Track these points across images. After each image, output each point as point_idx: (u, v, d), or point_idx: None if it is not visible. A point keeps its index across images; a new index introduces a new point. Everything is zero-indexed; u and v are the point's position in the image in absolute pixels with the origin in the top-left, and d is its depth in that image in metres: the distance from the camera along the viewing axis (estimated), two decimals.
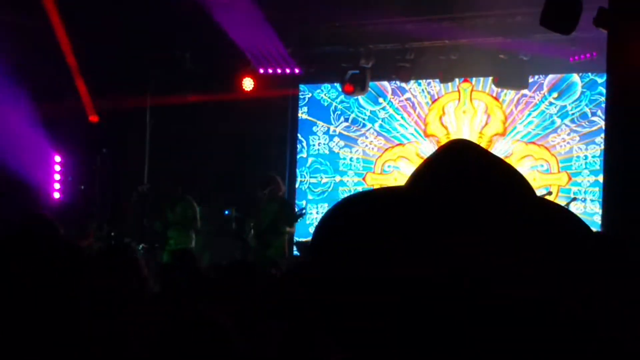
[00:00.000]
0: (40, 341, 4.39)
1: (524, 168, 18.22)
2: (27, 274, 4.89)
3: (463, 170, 1.56)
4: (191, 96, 19.32)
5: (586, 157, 18.15)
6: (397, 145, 19.85)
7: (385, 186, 1.70)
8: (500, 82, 18.33)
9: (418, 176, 1.61)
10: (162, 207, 16.69)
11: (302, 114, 20.76)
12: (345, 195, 15.39)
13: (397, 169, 19.69)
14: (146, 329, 4.26)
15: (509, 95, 18.79)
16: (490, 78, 18.65)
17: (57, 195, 18.19)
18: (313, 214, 19.72)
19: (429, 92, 19.64)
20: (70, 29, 17.13)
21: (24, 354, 4.32)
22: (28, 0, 16.52)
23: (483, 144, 18.71)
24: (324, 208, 19.88)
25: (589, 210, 17.56)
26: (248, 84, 19.37)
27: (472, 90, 19.33)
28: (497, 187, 1.54)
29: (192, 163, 19.24)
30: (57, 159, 18.13)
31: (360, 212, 1.55)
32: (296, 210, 16.85)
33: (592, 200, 17.54)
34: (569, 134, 18.44)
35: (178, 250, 13.98)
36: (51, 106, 17.63)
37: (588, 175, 17.95)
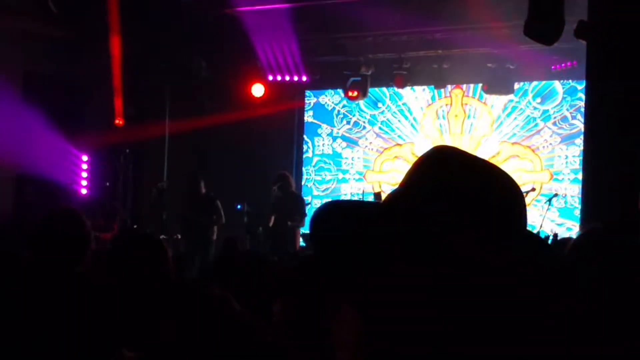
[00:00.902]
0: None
1: (509, 166, 18.25)
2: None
3: (444, 174, 1.58)
4: (206, 101, 19.37)
5: (567, 157, 18.17)
6: (395, 145, 19.88)
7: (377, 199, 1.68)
8: (489, 89, 18.36)
9: (407, 180, 1.63)
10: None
11: (308, 117, 20.80)
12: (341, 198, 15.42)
13: (394, 167, 19.72)
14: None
15: (497, 100, 18.81)
16: (480, 85, 18.68)
17: (84, 191, 18.21)
18: (316, 207, 19.79)
19: (423, 98, 19.67)
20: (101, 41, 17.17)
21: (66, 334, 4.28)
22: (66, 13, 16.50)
23: (473, 145, 18.79)
24: None
25: (569, 206, 17.61)
26: (258, 90, 19.39)
27: (462, 96, 19.36)
28: (476, 187, 1.57)
29: (206, 162, 19.31)
30: (85, 158, 18.16)
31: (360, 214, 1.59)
32: (304, 203, 16.93)
33: (572, 196, 17.55)
34: (551, 136, 18.46)
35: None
36: (80, 111, 17.73)
37: (568, 174, 17.96)
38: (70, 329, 4.32)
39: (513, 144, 18.77)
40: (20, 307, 4.44)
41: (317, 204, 19.77)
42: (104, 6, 16.70)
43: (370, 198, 17.16)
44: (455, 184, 1.54)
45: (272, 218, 16.35)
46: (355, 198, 18.77)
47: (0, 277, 4.77)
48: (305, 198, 17.86)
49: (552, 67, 17.59)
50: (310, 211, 17.31)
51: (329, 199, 19.75)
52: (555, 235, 14.43)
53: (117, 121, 18.28)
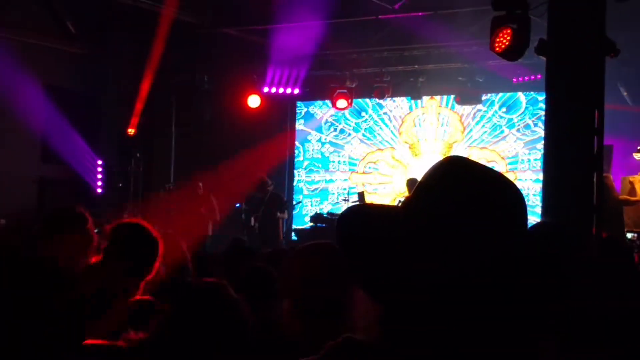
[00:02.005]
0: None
1: None
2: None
3: (455, 181, 1.57)
4: (208, 111, 19.41)
5: (529, 160, 18.28)
6: (377, 150, 19.94)
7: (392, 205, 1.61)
8: (460, 100, 18.49)
9: (422, 187, 1.61)
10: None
11: (299, 125, 20.87)
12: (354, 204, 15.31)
13: (376, 170, 19.78)
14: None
15: (467, 109, 18.92)
16: (452, 96, 18.79)
17: (99, 190, 18.24)
18: (308, 205, 19.88)
19: (402, 108, 19.77)
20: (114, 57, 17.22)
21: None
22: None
23: (444, 149, 18.91)
24: (317, 201, 20.05)
25: (532, 203, 17.67)
26: (254, 101, 19.36)
27: (437, 106, 19.44)
28: (485, 193, 1.56)
29: (208, 165, 19.34)
30: (100, 162, 18.19)
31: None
32: (284, 200, 17.15)
33: (534, 195, 17.61)
34: (515, 141, 18.57)
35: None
36: (96, 120, 17.80)
37: (531, 175, 18.09)
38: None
39: (481, 148, 18.88)
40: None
41: (307, 202, 19.88)
42: (117, 26, 16.77)
43: (355, 196, 17.23)
44: (466, 190, 1.55)
45: (253, 218, 16.62)
46: (342, 198, 18.81)
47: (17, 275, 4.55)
48: (296, 197, 17.98)
49: (514, 80, 17.70)
50: (300, 208, 17.46)
51: (318, 198, 19.90)
52: None
53: (129, 130, 18.33)
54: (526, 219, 1.62)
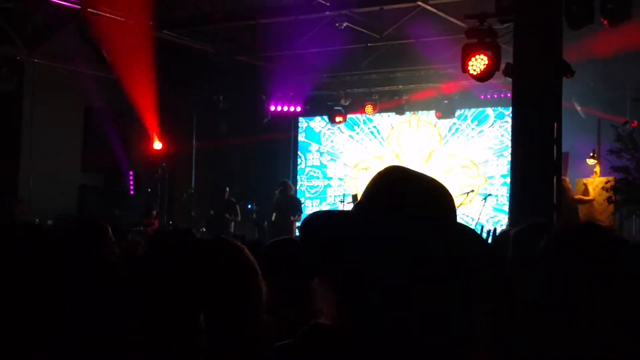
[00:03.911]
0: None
1: (454, 173, 18.42)
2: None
3: (394, 188, 1.64)
4: (223, 126, 19.43)
5: (498, 166, 18.24)
6: (367, 158, 19.98)
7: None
8: (441, 115, 18.50)
9: (367, 194, 1.69)
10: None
11: (301, 137, 20.88)
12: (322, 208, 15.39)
13: (367, 175, 19.77)
14: None
15: (444, 122, 18.91)
16: (432, 111, 18.80)
17: (131, 194, 18.21)
18: (309, 207, 19.87)
19: (388, 122, 19.77)
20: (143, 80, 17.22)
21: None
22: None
23: (426, 157, 18.91)
24: (317, 203, 20.05)
25: (500, 203, 17.70)
26: (263, 117, 19.38)
27: (418, 120, 19.47)
28: (418, 196, 1.61)
29: (224, 172, 19.37)
30: (131, 171, 18.18)
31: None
32: (301, 205, 17.11)
33: (502, 195, 17.60)
34: (485, 150, 18.61)
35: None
36: (128, 136, 17.83)
37: (499, 179, 18.08)
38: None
39: (457, 155, 18.88)
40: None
41: (308, 204, 19.87)
42: (145, 53, 16.78)
43: (349, 198, 17.22)
44: (403, 196, 1.61)
45: (274, 214, 16.48)
46: (339, 199, 18.79)
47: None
48: (300, 199, 17.96)
49: (482, 96, 17.70)
50: (303, 209, 17.44)
51: (318, 199, 19.90)
52: (494, 230, 14.58)
53: (155, 143, 18.36)
54: (447, 220, 1.63)
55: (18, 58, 15.19)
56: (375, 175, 1.71)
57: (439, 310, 1.53)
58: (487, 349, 1.94)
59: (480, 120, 18.70)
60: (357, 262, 1.54)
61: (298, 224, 16.75)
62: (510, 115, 10.98)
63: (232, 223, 16.55)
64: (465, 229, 1.69)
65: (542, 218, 4.43)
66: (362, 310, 1.55)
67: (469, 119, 18.81)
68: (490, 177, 18.27)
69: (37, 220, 14.80)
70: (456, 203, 1.68)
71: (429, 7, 13.36)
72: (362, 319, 1.55)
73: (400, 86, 18.39)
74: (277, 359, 1.71)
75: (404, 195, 1.62)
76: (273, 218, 16.44)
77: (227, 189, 17.04)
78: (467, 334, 1.58)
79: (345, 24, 14.07)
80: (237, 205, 16.77)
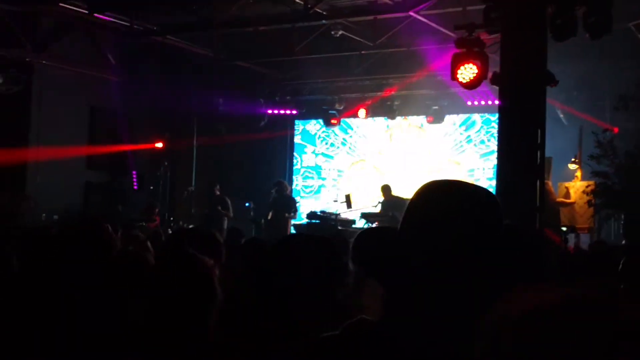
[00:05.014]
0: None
1: (443, 176, 18.38)
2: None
3: (438, 202, 1.65)
4: (223, 128, 19.44)
5: (484, 169, 18.28)
6: (360, 160, 19.95)
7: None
8: (432, 120, 18.49)
9: (411, 209, 1.68)
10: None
11: (297, 139, 20.84)
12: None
13: (359, 176, 19.82)
14: None
15: (433, 127, 18.91)
16: (423, 116, 18.79)
17: (134, 190, 18.18)
18: (303, 205, 19.85)
19: (380, 126, 19.76)
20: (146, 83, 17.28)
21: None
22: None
23: (416, 160, 18.92)
24: (312, 201, 20.03)
25: None
26: (261, 119, 19.40)
27: (409, 125, 19.48)
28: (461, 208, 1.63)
29: (224, 171, 19.38)
30: (134, 169, 18.17)
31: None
32: (296, 203, 17.14)
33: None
34: (472, 154, 18.64)
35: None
36: (131, 135, 17.82)
37: (485, 181, 18.06)
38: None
39: (445, 160, 18.89)
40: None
41: (304, 203, 19.86)
42: (149, 57, 16.81)
43: (342, 198, 17.22)
44: (448, 207, 1.63)
45: (270, 213, 16.49)
46: (332, 199, 18.75)
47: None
48: (295, 198, 17.98)
49: (469, 103, 17.68)
50: (298, 207, 17.47)
51: (313, 199, 19.89)
52: None
53: (157, 143, 18.39)
54: (494, 225, 1.66)
55: (27, 60, 15.24)
56: (418, 190, 1.71)
57: (478, 309, 1.59)
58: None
59: (468, 125, 18.73)
60: (403, 267, 1.59)
61: (294, 221, 16.85)
62: (496, 121, 11.00)
63: (225, 220, 16.56)
64: (511, 231, 1.73)
65: (508, 220, 4.35)
66: (402, 307, 1.60)
67: (457, 124, 18.83)
68: (476, 181, 18.19)
69: (44, 215, 14.90)
70: None
71: (420, 18, 13.40)
72: (402, 316, 1.60)
73: (392, 92, 18.38)
74: (322, 349, 1.74)
75: (446, 205, 1.64)
76: (269, 216, 16.46)
77: (218, 186, 17.10)
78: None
79: (340, 32, 14.15)
80: (229, 202, 16.81)
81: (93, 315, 3.53)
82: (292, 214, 16.45)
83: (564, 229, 13.10)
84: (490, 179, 17.52)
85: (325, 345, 1.72)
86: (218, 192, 17.03)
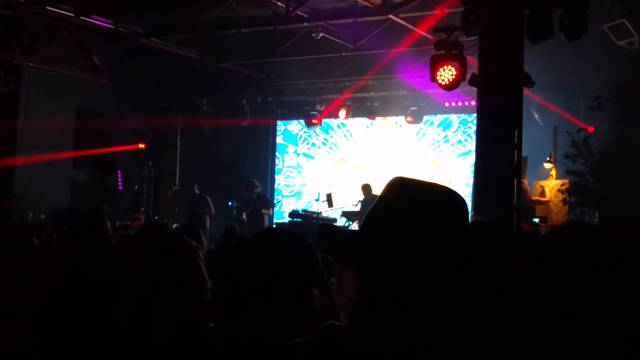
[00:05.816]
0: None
1: (421, 175, 18.41)
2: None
3: (403, 196, 1.61)
4: (206, 128, 19.37)
5: (461, 169, 18.38)
6: (341, 160, 19.95)
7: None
8: (412, 120, 18.46)
9: (378, 202, 1.64)
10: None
11: (279, 139, 20.84)
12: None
13: (340, 175, 19.80)
14: None
15: (412, 127, 18.93)
16: (402, 117, 18.77)
17: (119, 191, 18.12)
18: (285, 204, 19.84)
19: (360, 126, 19.76)
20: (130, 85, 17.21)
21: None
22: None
23: (394, 159, 18.90)
24: (294, 201, 20.00)
25: None
26: (244, 120, 19.31)
27: (387, 125, 19.50)
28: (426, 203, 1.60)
29: (208, 171, 19.31)
30: (119, 169, 18.10)
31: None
32: (269, 199, 17.31)
33: (464, 196, 17.65)
34: (450, 153, 18.66)
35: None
36: (116, 135, 17.73)
37: (462, 180, 18.07)
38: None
39: (423, 159, 18.91)
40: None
41: (285, 202, 19.83)
42: (133, 59, 16.71)
43: (324, 197, 17.21)
44: (411, 203, 1.59)
45: (244, 212, 16.72)
46: (313, 197, 18.73)
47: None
48: (277, 198, 18.02)
49: (447, 104, 17.69)
50: (280, 206, 17.47)
51: (294, 197, 19.87)
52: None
53: (140, 144, 18.33)
54: (460, 223, 1.65)
55: (15, 62, 15.15)
56: (386, 185, 1.65)
57: (446, 309, 1.51)
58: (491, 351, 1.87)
59: (446, 125, 18.74)
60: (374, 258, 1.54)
61: (277, 219, 16.91)
62: (473, 121, 11.02)
63: (208, 217, 16.59)
64: (478, 228, 1.69)
65: (482, 217, 4.41)
66: (368, 310, 1.54)
67: (435, 125, 18.84)
68: (454, 180, 18.25)
69: (31, 214, 14.78)
70: None
71: (399, 20, 13.38)
72: (369, 321, 1.54)
73: (371, 93, 18.40)
74: (292, 356, 1.69)
75: (413, 198, 1.60)
76: (243, 216, 16.61)
77: (197, 185, 17.12)
78: (474, 335, 1.55)
79: (321, 35, 14.12)
80: (209, 199, 16.83)
81: (91, 313, 3.54)
82: (269, 210, 16.70)
83: (536, 220, 13.02)
84: (467, 178, 17.55)
85: (295, 353, 1.67)
86: (197, 191, 17.09)
